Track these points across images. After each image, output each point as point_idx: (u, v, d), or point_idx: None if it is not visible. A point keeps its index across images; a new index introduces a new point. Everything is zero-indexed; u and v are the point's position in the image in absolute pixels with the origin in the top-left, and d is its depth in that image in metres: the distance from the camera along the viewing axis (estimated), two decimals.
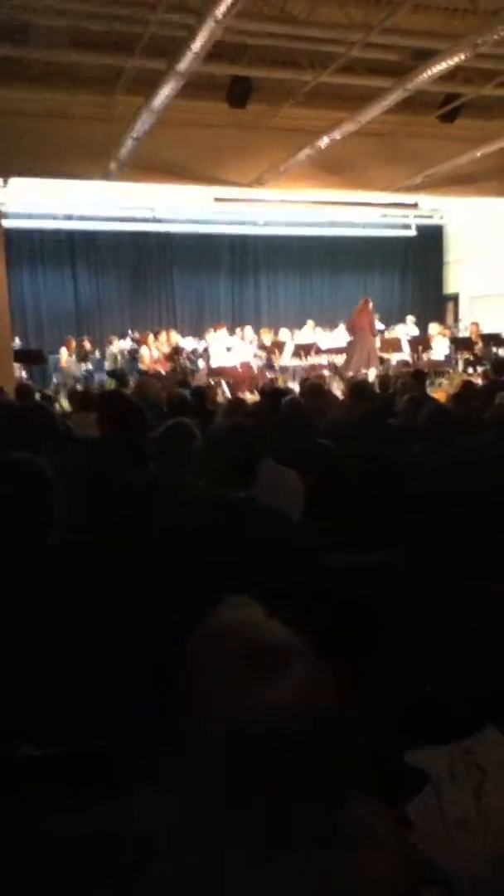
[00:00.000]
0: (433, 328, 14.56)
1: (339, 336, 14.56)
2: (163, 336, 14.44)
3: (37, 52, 8.36)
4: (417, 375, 7.59)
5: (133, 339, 14.72)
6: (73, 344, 14.13)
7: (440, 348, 14.01)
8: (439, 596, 1.73)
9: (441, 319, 16.54)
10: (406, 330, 14.79)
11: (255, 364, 13.49)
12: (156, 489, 2.66)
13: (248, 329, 14.54)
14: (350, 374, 12.33)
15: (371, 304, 13.85)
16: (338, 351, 13.77)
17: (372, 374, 11.80)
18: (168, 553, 1.98)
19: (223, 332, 13.45)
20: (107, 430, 3.86)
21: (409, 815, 1.57)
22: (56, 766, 1.50)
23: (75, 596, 1.69)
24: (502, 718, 1.74)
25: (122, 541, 2.13)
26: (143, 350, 13.65)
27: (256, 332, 14.63)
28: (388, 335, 14.53)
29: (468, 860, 1.44)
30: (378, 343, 13.89)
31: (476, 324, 14.85)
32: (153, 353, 13.67)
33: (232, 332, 14.14)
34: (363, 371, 12.46)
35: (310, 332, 14.63)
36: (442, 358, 13.86)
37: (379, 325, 15.49)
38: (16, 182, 11.19)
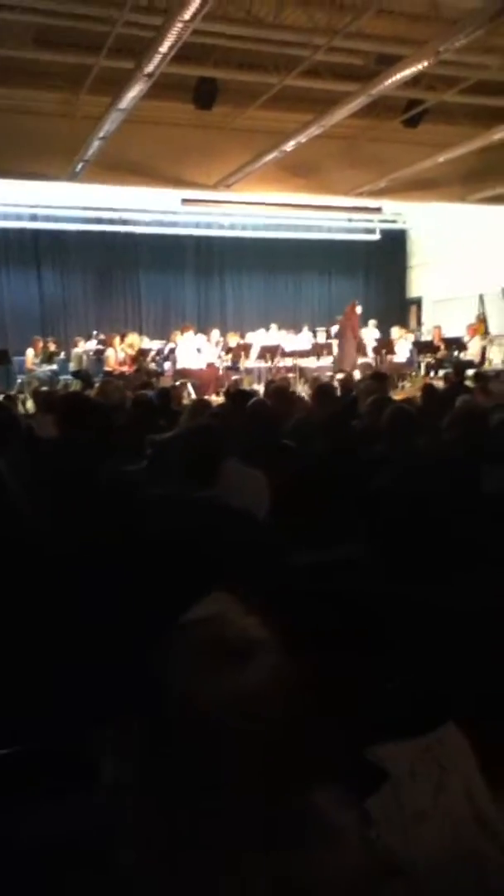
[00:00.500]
0: (395, 332, 14.72)
1: (304, 339, 14.65)
2: (128, 338, 14.34)
3: (1, 50, 8.27)
4: (379, 378, 7.65)
5: (99, 341, 14.61)
6: (41, 344, 13.97)
7: (403, 351, 14.17)
8: (400, 592, 1.75)
9: (404, 323, 16.71)
10: (369, 333, 14.91)
11: (221, 366, 13.49)
12: (118, 488, 2.65)
13: (215, 332, 14.54)
14: (346, 371, 12.38)
15: (359, 309, 13.94)
16: (302, 354, 13.83)
17: (357, 375, 11.86)
18: (132, 552, 1.98)
19: (190, 334, 13.42)
20: (65, 430, 3.84)
21: (370, 811, 1.58)
22: (29, 763, 1.49)
23: (42, 591, 1.67)
24: (463, 716, 1.76)
25: (84, 540, 2.12)
26: (109, 352, 13.56)
27: (223, 334, 14.64)
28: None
29: (427, 854, 1.46)
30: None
31: (438, 327, 15.05)
32: (119, 354, 13.58)
33: (198, 333, 14.11)
34: (346, 371, 12.49)
35: (274, 335, 14.66)
36: (404, 360, 14.01)
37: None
38: None
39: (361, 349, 13.85)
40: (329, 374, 13.34)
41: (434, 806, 1.60)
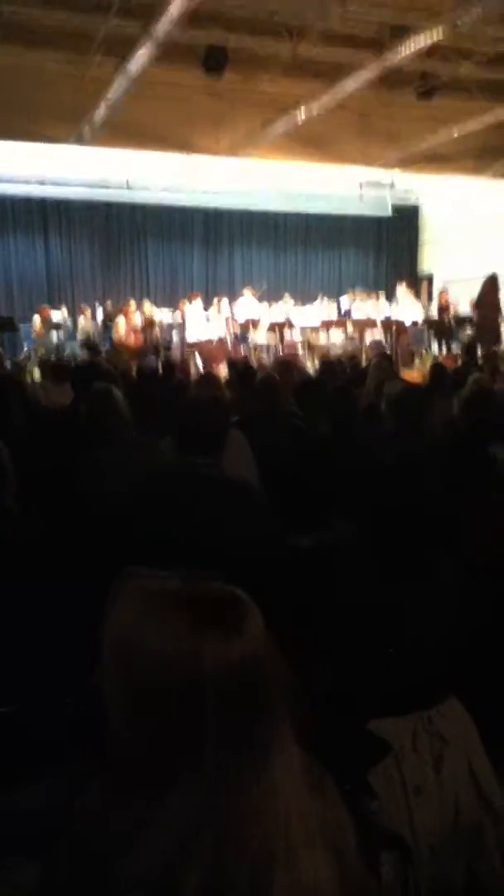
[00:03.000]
0: (400, 291, 14.53)
1: (316, 311, 14.48)
2: (136, 306, 14.26)
3: (6, 7, 8.10)
4: (388, 357, 7.61)
5: (106, 312, 14.51)
6: (47, 312, 13.90)
7: (407, 312, 14.01)
8: (400, 571, 1.74)
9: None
10: (379, 309, 14.74)
11: (230, 338, 13.38)
12: (126, 459, 2.64)
13: (224, 301, 14.32)
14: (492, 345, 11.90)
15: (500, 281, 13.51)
16: (312, 328, 13.73)
17: None
18: (133, 524, 1.98)
19: (198, 302, 13.24)
20: (80, 398, 3.84)
21: (371, 784, 1.60)
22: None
23: (38, 568, 1.67)
24: (464, 691, 1.77)
25: (85, 513, 2.12)
26: (120, 319, 13.43)
27: (231, 304, 14.42)
28: (356, 316, 14.49)
29: (426, 827, 1.48)
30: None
31: (444, 291, 14.87)
32: (132, 322, 13.45)
33: (207, 302, 13.95)
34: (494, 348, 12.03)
35: (286, 307, 14.43)
36: (409, 322, 13.85)
37: (345, 304, 15.47)
38: None
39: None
40: (338, 350, 13.27)
41: (435, 779, 1.61)
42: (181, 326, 13.34)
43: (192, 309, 13.10)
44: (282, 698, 0.93)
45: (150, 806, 0.88)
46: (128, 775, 0.92)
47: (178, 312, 13.86)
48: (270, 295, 14.79)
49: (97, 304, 14.93)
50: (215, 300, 14.18)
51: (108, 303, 14.82)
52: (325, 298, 15.23)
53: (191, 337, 12.86)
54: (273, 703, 0.91)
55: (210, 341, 12.77)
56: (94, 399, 3.10)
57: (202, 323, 12.94)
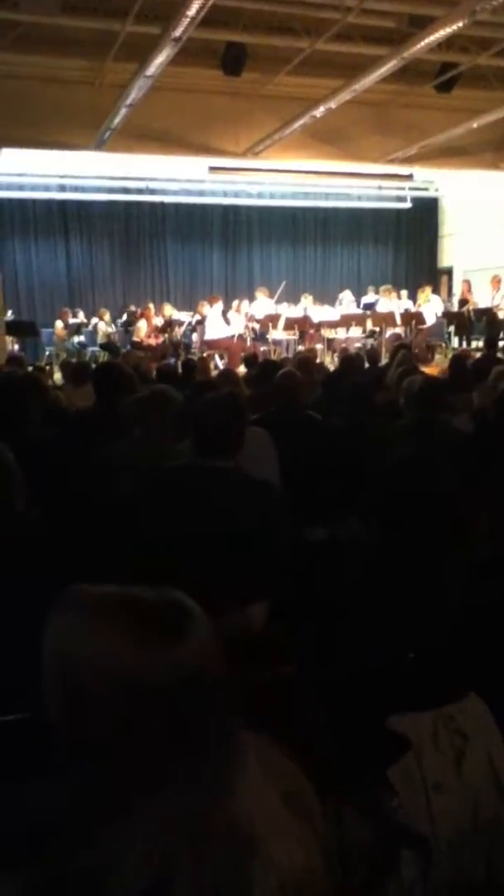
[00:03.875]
0: (421, 296, 14.40)
1: (333, 311, 14.44)
2: (157, 309, 14.36)
3: (27, 16, 8.19)
4: (408, 349, 7.55)
5: (129, 313, 14.60)
6: (69, 316, 14.03)
7: (429, 315, 13.88)
8: (418, 567, 1.73)
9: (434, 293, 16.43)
10: (401, 304, 14.66)
11: (248, 337, 13.40)
12: (139, 459, 2.65)
13: (245, 303, 14.39)
14: None
15: None
16: (330, 325, 13.69)
17: None
18: (146, 523, 1.98)
19: (219, 305, 13.29)
20: (103, 399, 3.85)
21: (391, 780, 1.59)
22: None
23: (48, 569, 1.68)
24: (485, 687, 1.76)
25: (104, 512, 2.13)
26: (142, 323, 13.54)
27: (251, 304, 14.45)
28: (380, 308, 14.41)
29: (446, 824, 1.47)
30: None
31: (467, 281, 14.73)
32: (151, 324, 13.56)
33: (227, 304, 14.00)
34: None
35: (307, 307, 14.39)
36: (431, 324, 13.73)
37: (370, 298, 15.39)
38: (9, 151, 11.01)
39: None
40: (358, 345, 13.20)
41: (456, 776, 1.60)
42: (200, 327, 13.37)
43: (212, 311, 13.12)
44: (225, 695, 0.93)
45: (115, 819, 0.88)
46: (87, 788, 0.91)
47: (196, 315, 13.91)
48: (288, 295, 14.74)
49: (117, 306, 15.05)
50: (234, 303, 14.19)
51: (130, 306, 14.93)
52: (346, 300, 15.18)
53: (210, 336, 12.88)
54: (218, 701, 0.91)
55: (230, 338, 12.77)
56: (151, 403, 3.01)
57: (221, 323, 12.95)
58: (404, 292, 15.33)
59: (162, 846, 0.85)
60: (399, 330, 13.48)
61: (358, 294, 15.67)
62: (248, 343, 13.18)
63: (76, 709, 0.90)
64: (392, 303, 14.33)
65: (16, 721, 1.49)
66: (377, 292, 15.15)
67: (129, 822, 0.87)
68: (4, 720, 1.48)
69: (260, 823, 0.90)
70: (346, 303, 14.96)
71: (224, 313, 13.36)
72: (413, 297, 15.02)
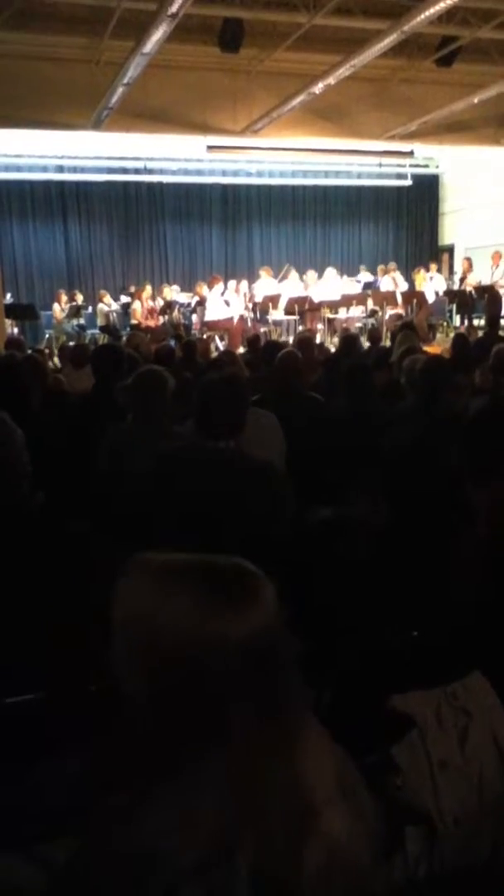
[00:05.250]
0: (419, 278, 14.28)
1: (335, 287, 14.30)
2: (157, 291, 14.30)
3: None
4: (411, 327, 7.50)
5: (128, 294, 14.53)
6: (64, 297, 13.95)
7: (431, 287, 13.79)
8: (421, 545, 1.73)
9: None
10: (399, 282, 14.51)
11: (249, 317, 13.33)
12: (141, 440, 2.64)
13: (244, 283, 14.30)
14: None
15: None
16: (331, 304, 13.61)
17: None
18: (152, 504, 1.98)
19: (219, 286, 13.19)
20: (102, 382, 3.84)
21: (395, 758, 1.59)
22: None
23: (54, 549, 1.68)
24: (489, 664, 1.76)
25: (103, 494, 2.12)
26: (136, 305, 13.48)
27: (250, 284, 14.37)
28: (382, 287, 14.30)
29: (451, 801, 1.47)
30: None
31: (468, 259, 14.61)
32: (146, 306, 13.50)
33: (226, 285, 13.91)
34: None
35: (328, 281, 14.18)
36: (433, 298, 13.64)
37: (368, 277, 15.27)
38: (5, 131, 10.91)
39: None
40: (359, 325, 13.14)
41: (460, 754, 1.60)
42: (200, 308, 13.29)
43: (212, 293, 13.02)
44: (295, 665, 0.94)
45: (182, 790, 0.88)
46: (154, 760, 0.92)
47: (195, 296, 13.82)
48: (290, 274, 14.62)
49: (116, 288, 14.96)
50: (232, 283, 14.07)
51: (130, 287, 14.84)
52: (345, 275, 15.04)
53: (210, 317, 12.81)
54: (290, 669, 0.93)
55: (230, 319, 12.70)
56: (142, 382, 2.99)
57: (221, 305, 12.87)
58: (398, 274, 14.97)
59: (219, 820, 0.86)
60: (400, 310, 13.41)
61: (349, 272, 15.49)
62: (249, 324, 13.10)
63: (151, 677, 0.91)
64: (390, 281, 14.21)
65: (25, 702, 1.50)
66: (373, 272, 15.02)
67: (184, 796, 0.88)
68: (15, 701, 1.49)
69: (318, 793, 0.91)
70: (330, 278, 14.65)
71: (223, 294, 13.28)
72: (409, 279, 14.78)
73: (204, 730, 0.89)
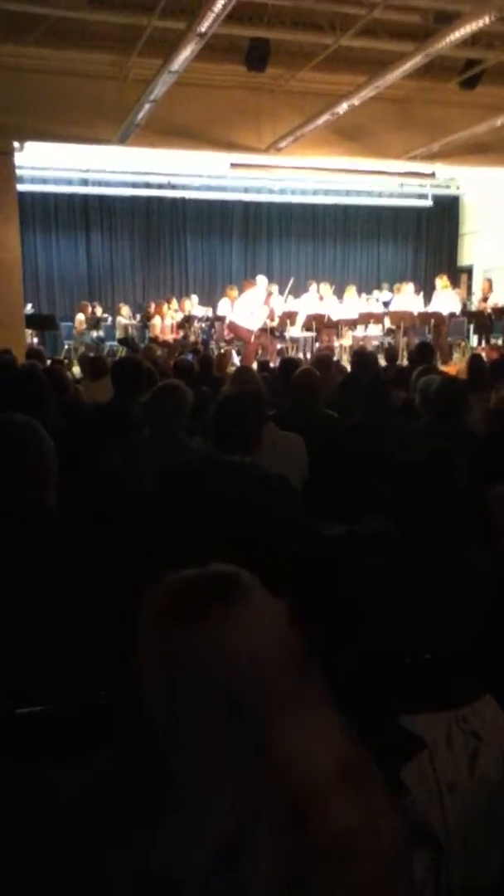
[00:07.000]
0: (439, 283, 14.20)
1: (353, 306, 14.31)
2: (175, 303, 14.33)
3: (53, 10, 8.21)
4: (426, 348, 7.50)
5: (145, 308, 14.62)
6: (90, 310, 14.07)
7: (446, 303, 13.75)
8: (434, 564, 1.73)
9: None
10: (415, 302, 14.46)
11: (268, 328, 13.27)
12: (155, 452, 2.66)
13: (274, 287, 14.02)
14: None
15: None
16: (348, 323, 13.62)
17: None
18: (165, 514, 1.99)
19: (252, 291, 12.87)
20: (121, 394, 3.88)
21: (404, 779, 1.59)
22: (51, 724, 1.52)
23: (70, 557, 1.69)
24: (499, 689, 1.75)
25: (121, 504, 2.13)
26: (156, 319, 13.51)
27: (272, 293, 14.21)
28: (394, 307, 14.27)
29: (459, 822, 1.47)
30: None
31: (488, 280, 14.58)
32: (166, 321, 13.55)
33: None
34: None
35: (325, 293, 14.16)
36: (447, 313, 13.60)
37: (387, 296, 15.28)
38: (32, 145, 11.06)
39: None
40: (375, 343, 13.13)
41: (469, 776, 1.60)
42: (219, 323, 13.28)
43: (245, 294, 12.73)
44: (304, 659, 0.95)
45: (197, 796, 0.90)
46: (172, 768, 0.93)
47: (218, 303, 13.82)
48: (300, 288, 14.60)
49: (136, 301, 15.07)
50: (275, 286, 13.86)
51: (151, 304, 14.93)
52: (364, 293, 15.06)
53: (235, 319, 12.54)
54: (293, 666, 0.93)
55: (250, 331, 12.55)
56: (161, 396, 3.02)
57: (248, 311, 12.59)
58: (410, 288, 14.84)
59: (234, 818, 0.87)
60: (417, 328, 13.39)
61: (368, 290, 15.52)
62: (269, 339, 13.06)
63: (161, 687, 0.93)
64: (406, 297, 14.14)
65: (31, 714, 1.51)
66: (391, 289, 15.02)
67: (200, 802, 0.89)
68: (23, 713, 1.50)
69: (324, 777, 0.91)
70: (351, 298, 14.65)
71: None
72: (428, 294, 14.73)
73: (183, 740, 0.90)
